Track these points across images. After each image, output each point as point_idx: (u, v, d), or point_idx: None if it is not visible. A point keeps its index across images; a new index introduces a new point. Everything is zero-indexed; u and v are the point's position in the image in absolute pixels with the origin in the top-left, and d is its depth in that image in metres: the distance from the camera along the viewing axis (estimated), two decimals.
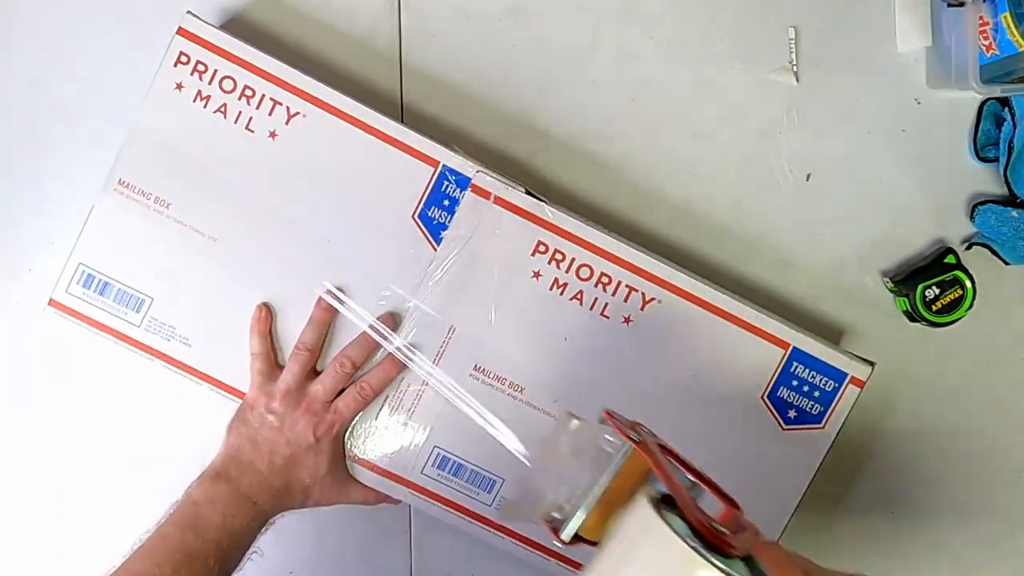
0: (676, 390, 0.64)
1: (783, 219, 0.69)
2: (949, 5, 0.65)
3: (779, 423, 0.65)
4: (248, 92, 0.63)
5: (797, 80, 0.68)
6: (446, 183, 0.63)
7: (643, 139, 0.69)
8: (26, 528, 0.72)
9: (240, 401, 0.64)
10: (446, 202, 0.64)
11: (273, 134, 0.63)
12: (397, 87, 0.69)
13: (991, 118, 0.68)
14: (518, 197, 0.63)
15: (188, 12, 0.63)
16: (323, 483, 0.63)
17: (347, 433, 0.65)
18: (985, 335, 0.70)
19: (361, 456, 0.65)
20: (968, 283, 0.67)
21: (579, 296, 0.64)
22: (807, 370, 0.64)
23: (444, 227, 0.64)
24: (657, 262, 0.64)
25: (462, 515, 0.66)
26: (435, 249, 0.64)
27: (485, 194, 0.63)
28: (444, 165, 0.63)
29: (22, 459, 0.72)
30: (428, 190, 0.64)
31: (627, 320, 0.64)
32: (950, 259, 0.67)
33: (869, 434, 0.71)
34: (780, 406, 0.65)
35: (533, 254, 0.64)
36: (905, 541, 0.72)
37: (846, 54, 0.68)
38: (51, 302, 0.64)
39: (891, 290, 0.69)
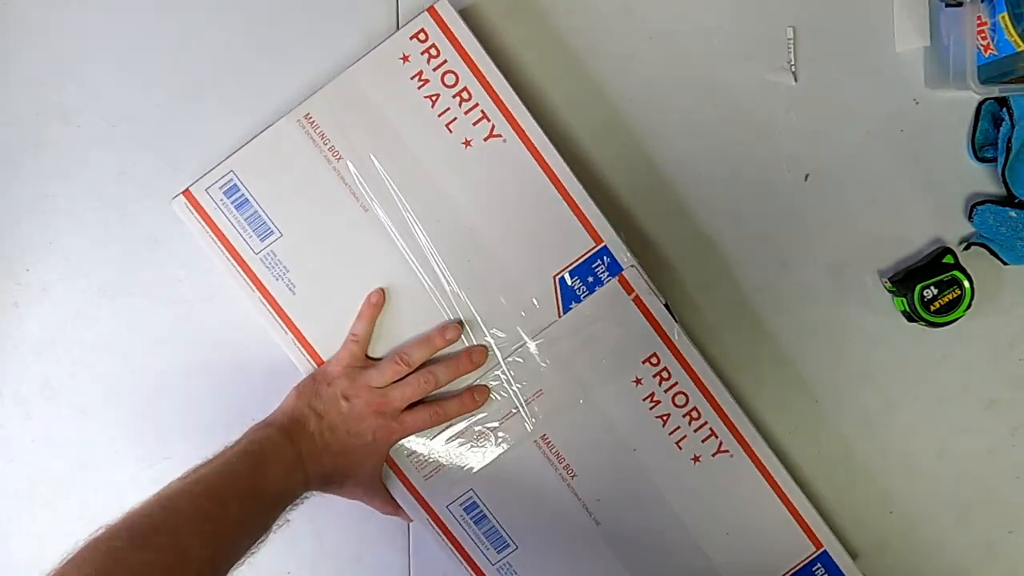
0: (707, 540, 0.66)
1: (782, 219, 0.69)
2: (947, 5, 0.65)
3: None
4: (465, 95, 0.63)
5: (795, 80, 0.68)
6: (598, 262, 0.64)
7: (642, 139, 0.69)
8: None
9: (315, 366, 0.65)
10: (590, 279, 0.65)
11: (468, 143, 0.64)
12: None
13: (989, 118, 0.68)
14: (656, 307, 0.64)
15: None
16: (360, 480, 0.64)
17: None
18: (983, 335, 0.70)
19: (400, 466, 0.66)
20: (966, 283, 0.67)
21: (664, 418, 0.65)
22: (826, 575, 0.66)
23: (578, 299, 0.65)
24: (744, 418, 0.65)
25: (464, 562, 0.66)
26: (560, 315, 0.65)
27: (629, 289, 0.64)
28: (606, 245, 0.64)
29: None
30: (581, 260, 0.64)
31: (696, 459, 0.65)
32: (948, 259, 0.67)
33: (869, 434, 0.71)
34: None
35: (644, 362, 0.65)
36: (905, 541, 0.72)
37: (845, 54, 0.68)
38: (186, 193, 0.64)
39: (889, 290, 0.69)
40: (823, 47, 0.68)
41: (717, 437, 0.65)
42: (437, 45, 0.63)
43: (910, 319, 0.68)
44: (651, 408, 0.65)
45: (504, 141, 0.63)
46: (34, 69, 0.70)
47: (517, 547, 0.66)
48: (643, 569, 0.66)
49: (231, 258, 0.64)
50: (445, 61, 0.63)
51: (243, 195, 0.64)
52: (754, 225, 0.69)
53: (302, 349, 0.65)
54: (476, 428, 0.66)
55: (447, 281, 0.65)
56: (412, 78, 0.63)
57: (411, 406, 0.64)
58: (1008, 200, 0.68)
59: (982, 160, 0.68)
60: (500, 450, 0.66)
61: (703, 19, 0.68)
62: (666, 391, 0.65)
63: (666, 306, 0.65)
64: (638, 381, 0.65)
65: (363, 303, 0.64)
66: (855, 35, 0.68)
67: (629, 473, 0.65)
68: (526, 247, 0.64)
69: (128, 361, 0.71)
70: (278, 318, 0.65)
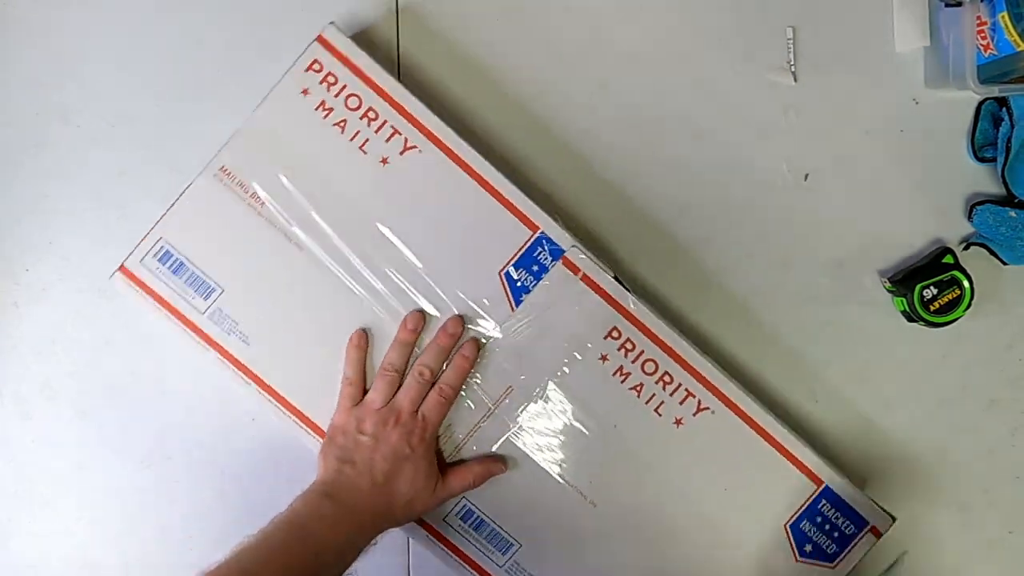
0: (707, 499, 0.66)
1: (781, 219, 0.69)
2: (947, 5, 0.65)
3: (794, 554, 0.66)
4: (371, 114, 0.63)
5: (795, 80, 0.68)
6: (540, 250, 0.64)
7: (641, 140, 0.69)
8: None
9: (285, 412, 0.65)
10: (535, 267, 0.64)
11: (385, 160, 0.64)
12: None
13: (989, 118, 0.68)
14: (606, 281, 0.64)
15: (331, 23, 0.63)
16: (422, 492, 0.63)
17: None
18: (983, 335, 0.70)
19: None
20: (966, 283, 0.67)
21: (638, 389, 0.65)
22: (833, 510, 0.66)
23: (527, 290, 0.64)
24: (718, 372, 0.65)
25: (473, 571, 0.66)
26: (513, 310, 0.64)
27: (575, 269, 0.64)
28: (543, 232, 0.64)
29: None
30: (521, 252, 0.64)
31: (678, 422, 0.65)
32: (948, 259, 0.67)
33: (868, 433, 0.71)
34: (800, 538, 0.66)
35: (606, 338, 0.64)
36: (905, 540, 0.72)
37: (844, 54, 0.68)
38: (122, 268, 0.64)
39: (889, 290, 0.69)
40: (823, 47, 0.68)
41: (694, 396, 0.65)
42: (333, 72, 0.63)
43: (910, 319, 0.68)
44: (623, 381, 0.65)
45: (420, 151, 0.63)
46: (34, 69, 0.70)
47: (521, 545, 0.66)
48: (648, 541, 0.66)
49: (179, 322, 0.64)
50: (345, 86, 0.63)
51: (177, 259, 0.64)
52: (754, 225, 0.69)
53: (267, 396, 0.65)
54: (457, 436, 0.65)
55: (398, 303, 0.65)
56: (316, 109, 0.63)
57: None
58: (1008, 200, 0.68)
59: (982, 160, 0.68)
60: (483, 453, 0.65)
61: (703, 19, 0.68)
62: (633, 361, 0.64)
63: (616, 278, 0.64)
64: (604, 357, 0.64)
65: (347, 346, 0.65)
66: (855, 35, 0.68)
67: (615, 449, 0.65)
68: (467, 250, 0.64)
69: (128, 361, 0.71)
70: (239, 371, 0.65)
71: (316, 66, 0.63)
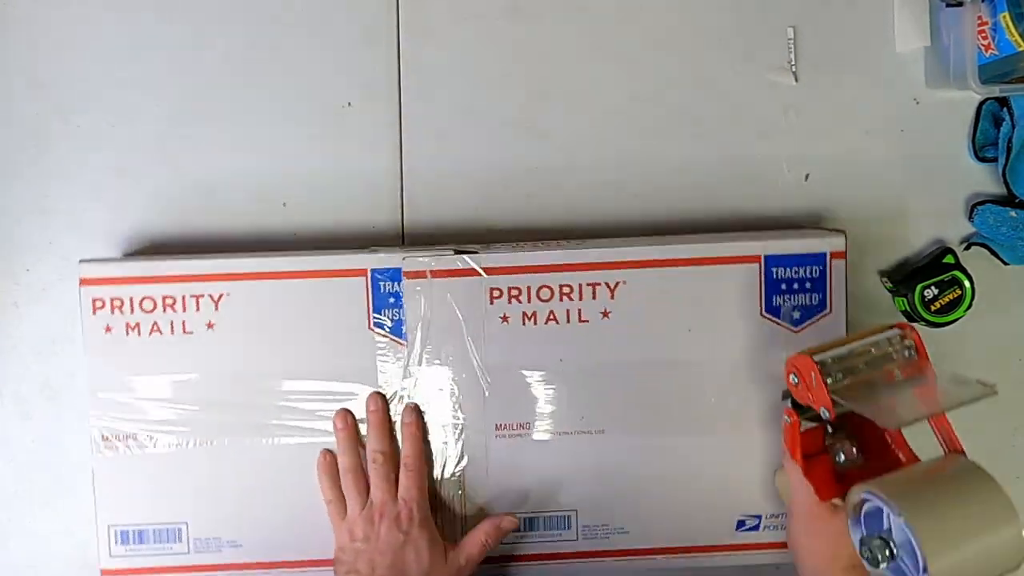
0: (682, 349, 0.64)
1: (781, 219, 0.69)
2: (948, 5, 0.65)
3: (790, 329, 0.65)
4: (168, 301, 0.64)
5: (796, 80, 0.68)
6: (382, 284, 0.64)
7: (642, 139, 0.69)
8: None
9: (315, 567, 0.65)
10: (391, 299, 0.64)
11: (210, 324, 0.64)
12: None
13: (990, 118, 0.68)
14: (449, 261, 0.64)
15: (81, 261, 0.65)
16: (435, 566, 0.62)
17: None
18: (984, 335, 0.70)
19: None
20: (967, 283, 0.67)
21: (551, 316, 0.64)
22: (787, 269, 0.64)
23: (400, 324, 0.64)
24: (603, 249, 0.64)
25: (557, 562, 0.66)
26: (403, 345, 0.64)
27: (420, 274, 0.64)
28: (371, 269, 0.64)
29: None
30: (370, 298, 0.64)
31: (605, 314, 0.64)
32: (949, 259, 0.67)
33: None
34: (782, 314, 0.65)
35: (491, 302, 0.64)
36: None
37: (845, 54, 0.68)
38: (103, 572, 0.65)
39: (889, 290, 0.69)
40: (823, 47, 0.68)
41: (600, 284, 0.64)
42: (114, 296, 0.64)
43: (910, 319, 0.68)
44: (535, 324, 0.64)
45: (229, 295, 0.64)
46: (34, 69, 0.70)
47: (576, 510, 0.65)
48: (663, 417, 0.65)
49: (178, 574, 0.66)
50: (131, 298, 0.64)
51: (134, 531, 0.65)
52: (754, 225, 0.69)
53: (291, 570, 0.66)
54: (450, 475, 0.65)
55: (321, 423, 0.65)
56: (128, 334, 0.64)
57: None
58: (1008, 200, 0.68)
59: (982, 160, 0.68)
60: (483, 455, 0.65)
61: (703, 19, 0.68)
62: (529, 301, 0.64)
63: (456, 251, 0.64)
64: (505, 318, 0.64)
65: (317, 470, 0.65)
66: (855, 35, 0.68)
67: (577, 376, 0.64)
68: (329, 334, 0.64)
69: None
70: (252, 571, 0.66)
71: (98, 303, 0.64)
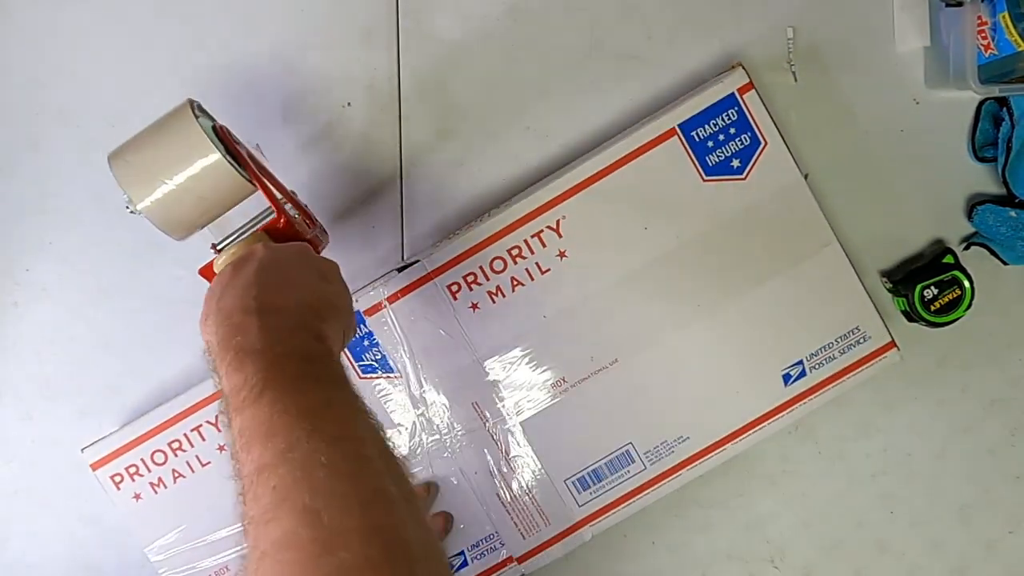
0: (649, 248, 0.64)
1: None
2: (947, 5, 0.65)
3: (739, 179, 0.64)
4: (175, 445, 0.67)
5: (796, 80, 0.68)
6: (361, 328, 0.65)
7: None
8: None
9: None
10: (365, 342, 0.65)
11: (222, 448, 0.66)
12: None
13: (989, 118, 0.68)
14: (398, 281, 0.64)
15: (82, 449, 0.67)
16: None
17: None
18: (984, 335, 0.70)
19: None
20: (966, 283, 0.67)
21: (515, 282, 0.65)
22: (705, 127, 0.63)
23: (385, 359, 0.65)
24: (527, 199, 0.64)
25: (636, 500, 0.66)
26: (399, 377, 0.65)
27: (378, 307, 0.65)
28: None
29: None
30: (352, 344, 0.65)
31: (562, 255, 0.64)
32: (948, 259, 0.67)
33: (868, 434, 0.71)
34: (722, 169, 0.64)
35: (455, 298, 0.65)
36: (905, 540, 0.72)
37: (845, 54, 0.68)
38: None
39: (889, 290, 0.69)
40: (823, 47, 0.68)
41: (542, 230, 0.64)
42: (127, 465, 0.67)
43: (910, 319, 0.68)
44: (504, 296, 0.64)
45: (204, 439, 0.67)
46: (34, 69, 0.70)
47: (630, 441, 0.66)
48: (669, 317, 0.65)
49: None
50: (142, 459, 0.67)
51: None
52: None
53: None
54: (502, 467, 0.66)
55: None
56: (156, 492, 0.67)
57: None
58: (1008, 200, 0.68)
59: (982, 160, 0.68)
60: (520, 439, 0.65)
61: (703, 19, 0.68)
62: (488, 279, 0.64)
63: (400, 268, 0.64)
64: (475, 306, 0.65)
65: None
66: (855, 35, 0.68)
67: (569, 323, 0.64)
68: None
69: (128, 361, 0.71)
70: None
71: (117, 478, 0.67)
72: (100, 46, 0.70)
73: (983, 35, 0.64)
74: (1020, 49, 0.64)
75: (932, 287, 0.67)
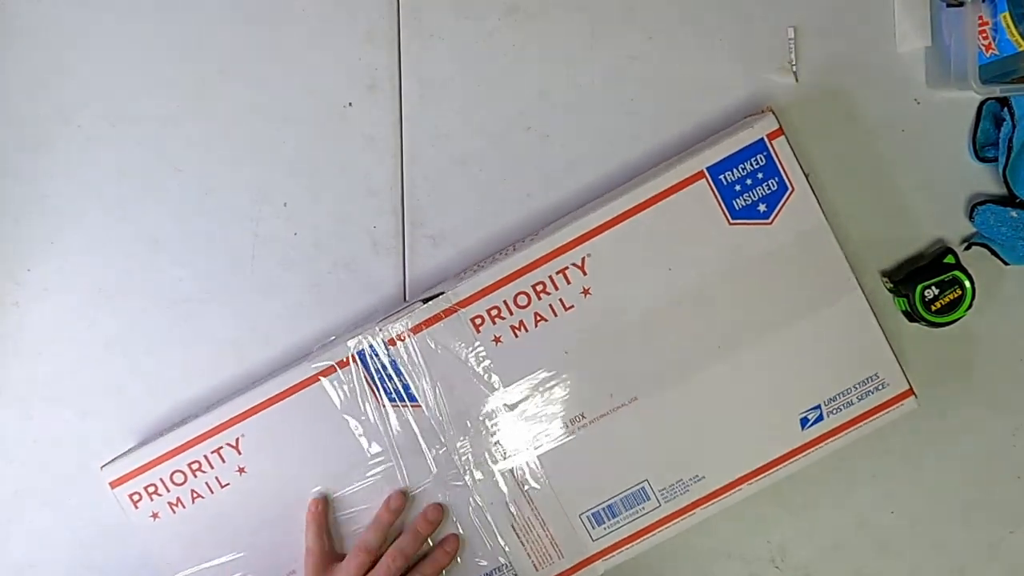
0: (671, 289, 0.64)
1: None
2: (948, 5, 0.65)
3: (764, 224, 0.64)
4: (195, 466, 0.66)
5: (796, 80, 0.68)
6: (371, 359, 0.65)
7: (640, 139, 0.69)
8: None
9: None
10: (389, 371, 0.65)
11: (242, 469, 0.66)
12: None
13: (990, 118, 0.68)
14: (422, 312, 0.64)
15: (101, 467, 0.66)
16: None
17: None
18: (984, 335, 0.70)
19: None
20: (967, 283, 0.67)
21: (538, 317, 0.64)
22: (734, 171, 0.63)
23: (408, 388, 0.65)
24: (554, 235, 0.64)
25: (649, 535, 0.66)
26: (422, 407, 0.65)
27: (401, 338, 0.64)
28: (354, 354, 0.65)
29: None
30: (367, 379, 0.65)
31: (586, 292, 0.64)
32: (949, 259, 0.67)
33: (868, 433, 0.71)
34: (747, 213, 0.63)
35: (478, 330, 0.64)
36: (905, 540, 0.72)
37: (846, 54, 0.68)
38: None
39: (890, 290, 0.69)
40: (823, 47, 0.68)
41: (567, 267, 0.63)
42: (146, 484, 0.67)
43: (911, 319, 0.68)
44: (527, 331, 0.64)
45: (244, 436, 0.66)
46: (34, 69, 0.70)
47: (646, 479, 0.66)
48: (691, 357, 0.65)
49: None
50: (161, 479, 0.66)
51: None
52: None
53: None
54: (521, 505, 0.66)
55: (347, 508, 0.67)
56: (174, 512, 0.67)
57: None
58: (1009, 200, 0.68)
59: (983, 160, 0.68)
60: (538, 474, 0.66)
61: (703, 19, 0.68)
62: (511, 314, 0.64)
63: (424, 300, 0.64)
64: (497, 340, 0.64)
65: (306, 516, 0.65)
66: (855, 35, 0.68)
67: (591, 360, 0.65)
68: (349, 429, 0.66)
69: (128, 361, 0.71)
70: None
71: (135, 496, 0.66)
72: (100, 46, 0.70)
73: (984, 35, 0.64)
74: (1021, 49, 0.64)
75: (933, 287, 0.67)
